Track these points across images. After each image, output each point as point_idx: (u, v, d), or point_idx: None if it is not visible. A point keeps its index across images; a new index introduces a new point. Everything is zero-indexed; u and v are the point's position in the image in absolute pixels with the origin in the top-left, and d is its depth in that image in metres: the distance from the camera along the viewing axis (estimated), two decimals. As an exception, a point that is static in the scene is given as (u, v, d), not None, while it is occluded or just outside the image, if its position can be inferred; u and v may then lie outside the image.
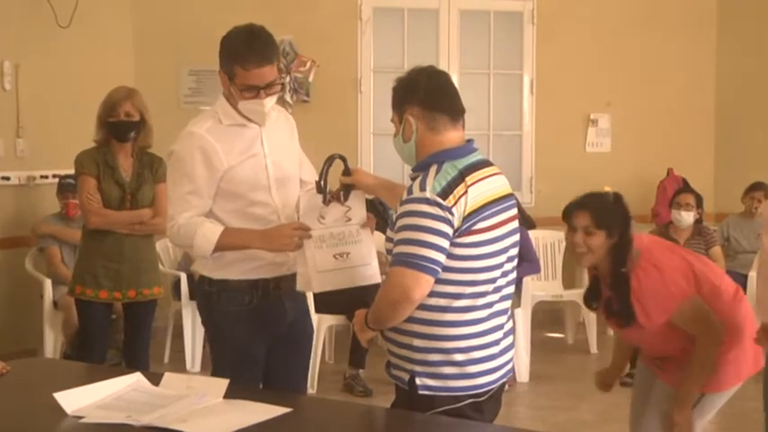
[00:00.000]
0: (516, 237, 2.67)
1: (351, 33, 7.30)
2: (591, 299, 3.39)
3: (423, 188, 2.48)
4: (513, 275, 2.68)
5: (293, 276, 3.11)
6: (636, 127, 7.80)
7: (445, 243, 2.46)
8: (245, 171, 3.04)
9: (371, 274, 2.95)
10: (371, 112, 7.37)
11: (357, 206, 2.95)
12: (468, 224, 2.48)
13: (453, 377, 2.54)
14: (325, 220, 2.92)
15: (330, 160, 2.94)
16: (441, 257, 2.46)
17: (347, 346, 5.78)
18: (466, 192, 2.49)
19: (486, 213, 2.52)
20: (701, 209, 6.31)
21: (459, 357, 2.53)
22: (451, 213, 2.45)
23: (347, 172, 2.94)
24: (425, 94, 2.59)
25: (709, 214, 7.03)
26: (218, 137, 3.01)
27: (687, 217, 6.21)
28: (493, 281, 2.57)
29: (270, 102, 3.03)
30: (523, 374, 5.96)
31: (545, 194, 7.53)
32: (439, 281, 2.49)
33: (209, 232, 2.97)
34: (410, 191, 2.52)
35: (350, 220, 2.93)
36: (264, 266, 3.08)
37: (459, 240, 2.48)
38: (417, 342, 2.55)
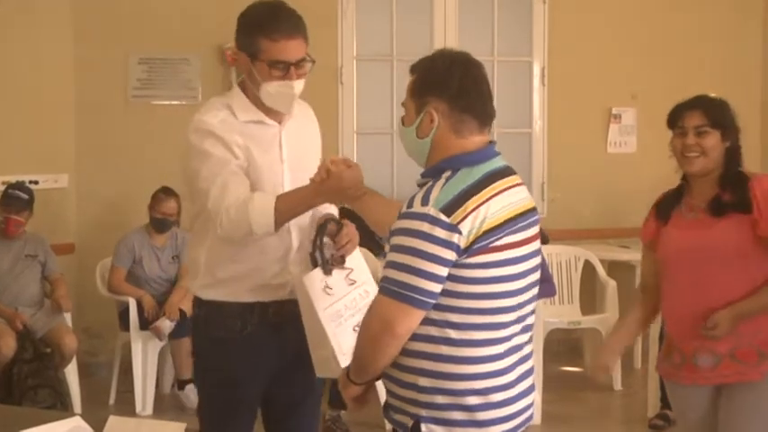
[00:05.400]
0: (539, 259, 2.66)
1: (330, 15, 7.27)
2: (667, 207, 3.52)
3: (425, 202, 2.45)
4: (534, 304, 2.66)
5: (296, 302, 3.10)
6: (666, 123, 7.81)
7: (443, 271, 2.43)
8: (258, 179, 3.01)
9: None
10: (354, 108, 7.38)
11: (357, 263, 3.05)
12: (485, 242, 2.45)
13: (461, 424, 2.52)
14: (334, 290, 2.98)
15: (322, 228, 3.03)
16: (436, 288, 2.44)
17: (327, 382, 5.75)
18: (482, 204, 2.45)
19: (508, 230, 2.50)
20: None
21: (473, 401, 2.51)
22: (458, 232, 2.41)
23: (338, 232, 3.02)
24: (459, 92, 2.54)
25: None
26: (231, 132, 2.99)
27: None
28: (513, 309, 2.56)
29: (299, 86, 3.02)
30: (535, 416, 5.88)
31: (559, 203, 7.44)
32: (449, 308, 2.47)
33: (262, 203, 2.91)
34: (410, 203, 2.49)
35: (354, 282, 3.01)
36: (264, 288, 3.07)
37: (470, 261, 2.45)
38: (423, 381, 2.53)
